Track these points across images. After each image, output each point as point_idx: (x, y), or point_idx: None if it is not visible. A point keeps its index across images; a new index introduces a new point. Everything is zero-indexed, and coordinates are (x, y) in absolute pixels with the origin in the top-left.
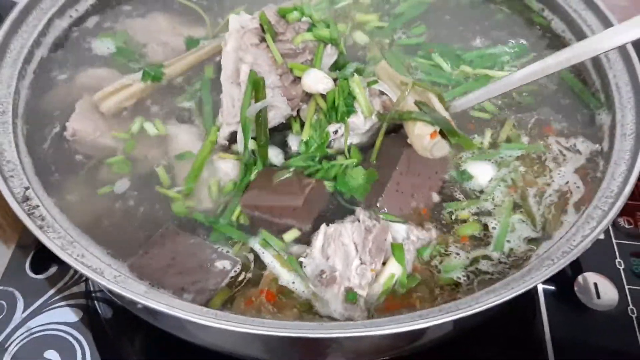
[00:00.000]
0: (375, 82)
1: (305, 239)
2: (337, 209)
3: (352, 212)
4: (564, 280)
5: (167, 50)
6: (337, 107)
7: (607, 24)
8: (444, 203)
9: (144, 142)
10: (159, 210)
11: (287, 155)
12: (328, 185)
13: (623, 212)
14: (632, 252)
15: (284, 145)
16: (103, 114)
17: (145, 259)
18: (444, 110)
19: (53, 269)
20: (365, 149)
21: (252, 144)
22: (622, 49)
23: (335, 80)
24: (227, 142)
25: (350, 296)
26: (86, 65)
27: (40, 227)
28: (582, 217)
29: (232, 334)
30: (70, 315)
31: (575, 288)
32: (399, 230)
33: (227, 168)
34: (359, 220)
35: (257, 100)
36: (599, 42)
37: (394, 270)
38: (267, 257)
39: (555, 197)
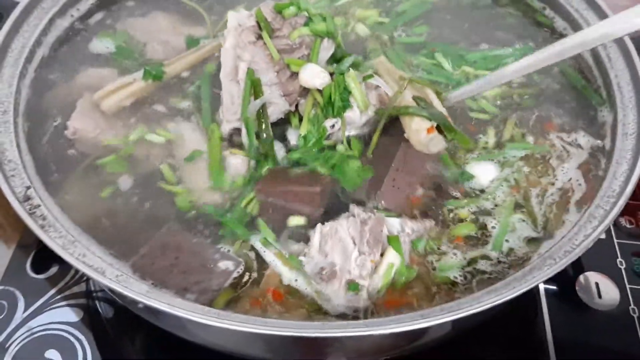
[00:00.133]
0: (371, 76)
1: (308, 237)
2: (332, 208)
3: (347, 210)
4: (565, 280)
5: (168, 49)
6: (334, 102)
7: None
8: (445, 201)
9: (145, 141)
10: (161, 210)
11: (287, 148)
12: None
13: (624, 212)
14: (633, 251)
15: (283, 139)
16: (104, 112)
17: (148, 258)
18: (442, 107)
19: (54, 269)
20: (364, 139)
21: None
22: (623, 49)
23: (332, 74)
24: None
25: (352, 287)
26: (87, 64)
27: (42, 227)
28: (584, 216)
29: (234, 334)
30: (71, 315)
31: (577, 288)
32: (394, 224)
33: (237, 163)
34: (353, 216)
35: (255, 98)
36: (595, 32)
37: (392, 260)
38: (269, 255)
39: (557, 196)
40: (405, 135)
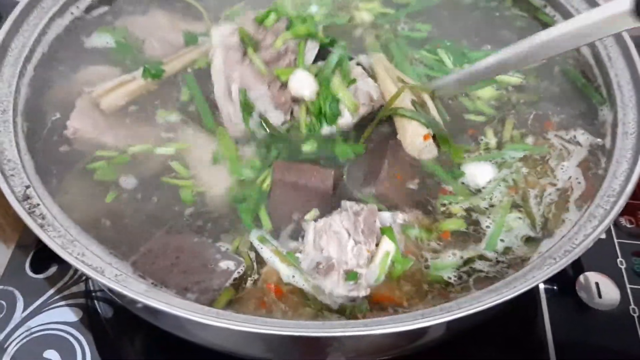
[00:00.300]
0: (354, 81)
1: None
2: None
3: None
4: (565, 280)
5: (166, 47)
6: (325, 113)
7: None
8: (439, 195)
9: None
10: (161, 209)
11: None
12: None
13: (625, 212)
14: (633, 251)
15: None
16: (103, 111)
17: (149, 257)
18: (438, 116)
19: (53, 269)
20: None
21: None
22: (623, 48)
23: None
24: None
25: (351, 276)
26: (86, 62)
27: (41, 226)
28: (584, 215)
29: (233, 333)
30: (70, 314)
31: (577, 287)
32: (386, 217)
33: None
34: (346, 210)
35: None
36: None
37: (388, 248)
38: (266, 252)
39: (555, 196)
40: (398, 136)
